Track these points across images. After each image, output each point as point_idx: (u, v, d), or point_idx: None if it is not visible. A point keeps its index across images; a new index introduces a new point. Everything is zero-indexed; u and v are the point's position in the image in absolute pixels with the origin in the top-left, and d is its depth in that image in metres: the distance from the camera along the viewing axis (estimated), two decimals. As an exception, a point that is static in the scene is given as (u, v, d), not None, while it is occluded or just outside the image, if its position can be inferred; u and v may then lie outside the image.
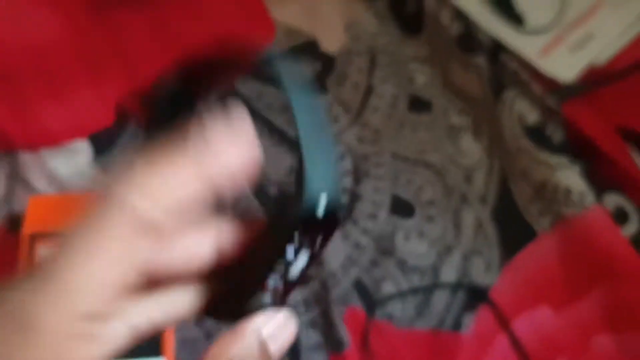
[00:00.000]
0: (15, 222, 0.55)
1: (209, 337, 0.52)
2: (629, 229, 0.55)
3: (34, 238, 0.51)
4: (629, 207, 0.56)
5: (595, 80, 0.62)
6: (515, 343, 0.52)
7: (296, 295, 0.54)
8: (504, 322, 0.52)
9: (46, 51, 0.62)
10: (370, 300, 0.53)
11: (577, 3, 0.65)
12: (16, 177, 0.57)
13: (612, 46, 0.63)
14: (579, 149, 0.59)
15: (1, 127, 0.59)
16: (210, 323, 0.53)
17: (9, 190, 0.57)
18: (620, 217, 0.56)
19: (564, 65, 0.62)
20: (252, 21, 0.66)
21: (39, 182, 0.57)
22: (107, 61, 0.63)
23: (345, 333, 0.52)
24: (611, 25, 0.64)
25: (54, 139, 0.59)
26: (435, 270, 0.55)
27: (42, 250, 0.51)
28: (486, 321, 0.53)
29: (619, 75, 0.62)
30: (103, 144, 0.59)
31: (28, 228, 0.51)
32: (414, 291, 0.54)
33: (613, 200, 0.56)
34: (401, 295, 0.53)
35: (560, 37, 0.64)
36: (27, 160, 0.58)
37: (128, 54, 0.64)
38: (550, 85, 0.62)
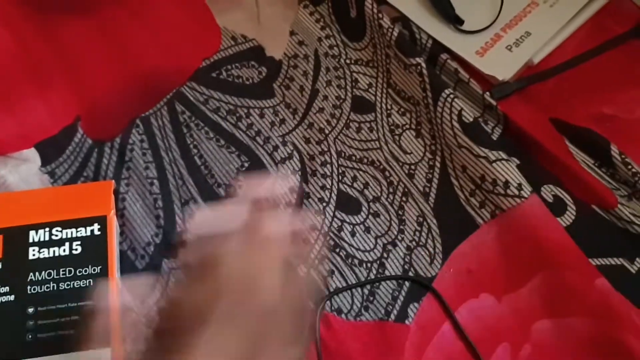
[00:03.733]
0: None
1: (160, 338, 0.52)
2: (567, 219, 0.57)
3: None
4: (566, 197, 0.58)
5: (530, 77, 0.64)
6: (460, 331, 0.53)
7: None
8: (448, 311, 0.54)
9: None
10: (318, 294, 0.54)
11: (513, 3, 0.68)
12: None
13: (547, 46, 0.66)
14: (517, 143, 0.61)
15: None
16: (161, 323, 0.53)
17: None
18: (559, 207, 0.58)
19: (502, 64, 0.64)
20: (198, 28, 0.67)
21: (-13, 191, 0.57)
22: (52, 69, 0.63)
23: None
24: (547, 24, 0.66)
25: (1, 149, 0.59)
26: (382, 264, 0.56)
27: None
28: (430, 311, 0.54)
29: (553, 72, 0.64)
30: (50, 152, 0.60)
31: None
32: (361, 284, 0.55)
33: (551, 191, 0.58)
34: (349, 288, 0.55)
35: (498, 36, 0.66)
36: (-26, 169, 0.58)
37: (74, 62, 0.64)
38: (488, 83, 0.64)
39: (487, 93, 0.62)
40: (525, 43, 0.66)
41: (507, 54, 0.65)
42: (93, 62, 0.64)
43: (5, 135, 0.60)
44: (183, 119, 0.62)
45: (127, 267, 0.55)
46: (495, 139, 0.61)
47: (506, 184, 0.57)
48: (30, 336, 0.49)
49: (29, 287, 0.51)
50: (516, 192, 0.56)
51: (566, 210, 0.58)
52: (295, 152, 0.61)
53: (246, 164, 0.60)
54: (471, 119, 0.60)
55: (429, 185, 0.59)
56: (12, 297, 0.51)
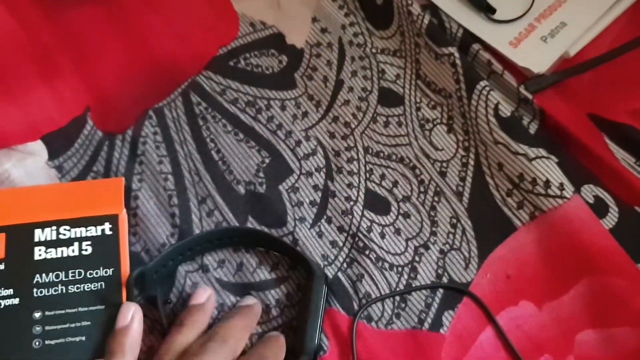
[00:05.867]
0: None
1: (177, 346, 0.49)
2: (610, 221, 0.54)
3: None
4: (608, 198, 0.55)
5: (567, 70, 0.60)
6: (499, 341, 0.49)
7: (268, 298, 0.51)
8: (490, 316, 0.50)
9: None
10: (349, 301, 0.50)
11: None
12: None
13: (584, 37, 0.62)
14: (554, 140, 0.57)
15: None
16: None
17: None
18: (600, 208, 0.54)
19: (537, 55, 0.60)
20: (214, 13, 0.63)
21: (-11, 186, 0.53)
22: (60, 58, 0.59)
23: (324, 337, 0.49)
24: (583, 14, 0.63)
25: (5, 141, 0.55)
26: (413, 268, 0.52)
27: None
28: (467, 319, 0.50)
29: (590, 65, 0.61)
30: (58, 145, 0.56)
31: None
32: (393, 292, 0.51)
33: (592, 191, 0.55)
34: (381, 297, 0.51)
35: (532, 27, 0.62)
36: (-25, 162, 0.54)
37: (83, 50, 0.60)
38: (523, 75, 0.60)
39: (522, 86, 0.59)
40: (560, 34, 0.62)
41: (542, 46, 0.61)
42: (103, 50, 0.60)
43: (9, 126, 0.56)
44: (199, 110, 0.58)
45: (141, 270, 0.51)
46: (533, 135, 0.57)
47: (547, 183, 0.53)
48: (38, 342, 0.46)
49: (35, 290, 0.47)
50: (558, 192, 0.53)
51: (608, 212, 0.54)
52: (319, 148, 0.57)
53: (267, 160, 0.56)
54: (508, 114, 0.56)
55: (462, 184, 0.56)
56: (16, 301, 0.47)
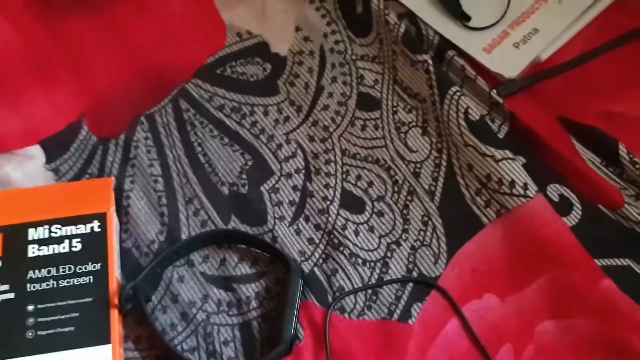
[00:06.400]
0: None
1: (165, 334, 0.53)
2: (573, 219, 0.57)
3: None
4: (572, 197, 0.58)
5: (538, 75, 0.63)
6: (464, 331, 0.53)
7: (249, 290, 0.54)
8: (455, 308, 0.53)
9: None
10: (324, 294, 0.54)
11: (521, 0, 0.67)
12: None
13: (555, 43, 0.65)
14: (524, 141, 0.60)
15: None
16: (165, 321, 0.53)
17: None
18: (564, 207, 0.57)
19: (509, 61, 0.63)
20: (203, 24, 0.67)
21: (-8, 188, 0.58)
22: (57, 66, 0.63)
23: (300, 328, 0.53)
24: (555, 21, 0.65)
25: (4, 146, 0.59)
26: (385, 263, 0.56)
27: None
28: (434, 311, 0.54)
29: (560, 69, 0.64)
30: (55, 149, 0.60)
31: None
32: (365, 285, 0.55)
33: (557, 190, 0.58)
34: (362, 289, 0.54)
35: (505, 33, 0.65)
36: (-22, 166, 0.58)
37: (79, 58, 0.64)
38: (495, 80, 0.63)
39: (494, 90, 0.62)
40: (532, 40, 0.65)
41: (514, 51, 0.64)
42: (98, 58, 0.64)
43: (9, 131, 0.60)
44: (187, 116, 0.62)
45: (131, 265, 0.55)
46: (501, 137, 0.60)
47: (512, 183, 0.56)
48: (30, 333, 0.50)
49: (28, 285, 0.51)
50: (522, 192, 0.56)
51: (572, 210, 0.57)
52: (299, 151, 0.61)
53: (250, 163, 0.60)
54: (477, 118, 0.59)
55: (434, 184, 0.59)
56: (12, 295, 0.51)
